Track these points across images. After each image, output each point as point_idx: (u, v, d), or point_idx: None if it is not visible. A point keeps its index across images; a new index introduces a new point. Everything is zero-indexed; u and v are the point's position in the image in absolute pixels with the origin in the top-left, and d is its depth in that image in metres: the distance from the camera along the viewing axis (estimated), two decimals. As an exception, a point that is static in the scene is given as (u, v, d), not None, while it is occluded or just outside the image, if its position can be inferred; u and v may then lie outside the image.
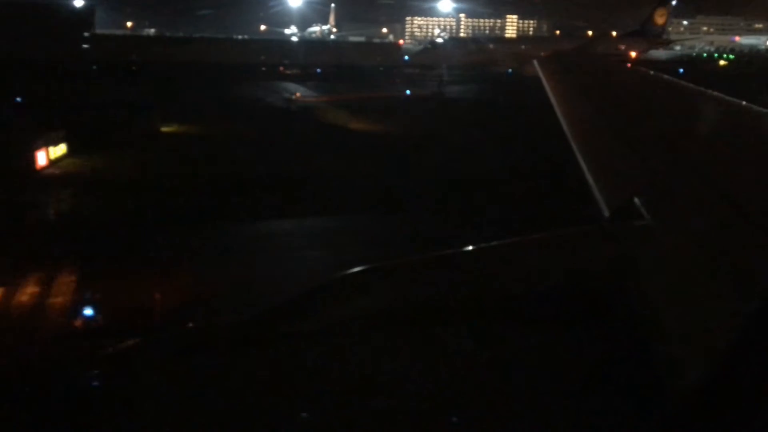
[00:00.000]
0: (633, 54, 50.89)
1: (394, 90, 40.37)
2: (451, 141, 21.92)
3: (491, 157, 19.20)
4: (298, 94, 36.08)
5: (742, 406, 1.90)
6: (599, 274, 2.69)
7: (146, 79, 40.34)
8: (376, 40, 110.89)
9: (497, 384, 2.48)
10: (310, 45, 79.56)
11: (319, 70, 52.49)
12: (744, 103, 5.22)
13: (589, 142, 4.98)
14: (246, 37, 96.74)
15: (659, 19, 60.45)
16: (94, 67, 48.27)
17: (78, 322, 8.32)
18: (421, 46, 71.92)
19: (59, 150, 18.12)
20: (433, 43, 72.10)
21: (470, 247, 3.09)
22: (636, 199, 3.22)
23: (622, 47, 55.56)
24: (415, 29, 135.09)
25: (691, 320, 2.28)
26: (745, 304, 2.21)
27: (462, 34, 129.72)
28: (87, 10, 59.34)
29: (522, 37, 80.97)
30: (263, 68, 52.43)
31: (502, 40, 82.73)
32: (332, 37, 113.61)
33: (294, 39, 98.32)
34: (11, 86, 31.64)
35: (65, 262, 10.17)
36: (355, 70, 51.43)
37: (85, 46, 56.59)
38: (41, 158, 17.04)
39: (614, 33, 76.55)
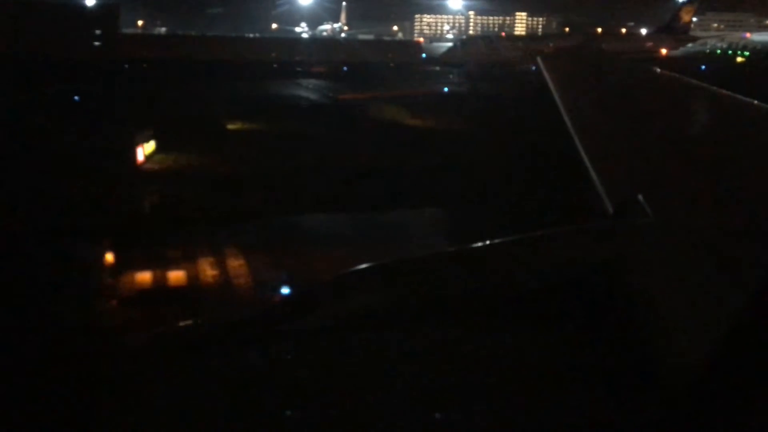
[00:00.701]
0: (664, 51, 51.43)
1: (432, 87, 40.96)
2: (507, 135, 22.43)
3: (557, 152, 19.70)
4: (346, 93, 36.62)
5: (740, 405, 1.90)
6: (602, 271, 2.67)
7: (182, 77, 40.74)
8: (386, 38, 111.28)
9: (496, 381, 2.42)
10: (330, 43, 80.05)
11: (345, 68, 53.03)
12: (749, 100, 5.23)
13: (592, 139, 4.91)
14: (257, 35, 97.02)
15: (686, 16, 61.05)
16: (126, 66, 48.70)
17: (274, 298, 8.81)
18: (449, 44, 72.35)
19: (149, 147, 18.71)
20: (461, 40, 72.63)
21: (471, 245, 3.12)
22: (640, 197, 3.19)
23: (650, 44, 56.12)
24: (424, 27, 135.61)
25: (693, 317, 2.28)
26: (746, 302, 2.22)
27: (471, 32, 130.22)
28: (112, 9, 59.77)
29: (549, 35, 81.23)
30: (294, 66, 52.93)
31: (529, 37, 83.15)
32: (343, 35, 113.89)
33: (304, 37, 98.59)
34: (59, 85, 32.16)
35: (232, 248, 10.70)
36: (380, 68, 51.90)
37: (111, 45, 56.93)
38: (140, 154, 17.65)
39: (644, 30, 77.04)
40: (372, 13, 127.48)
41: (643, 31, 76.31)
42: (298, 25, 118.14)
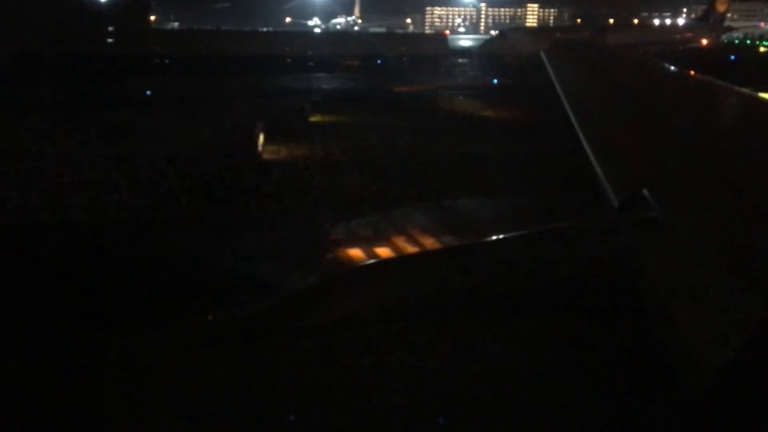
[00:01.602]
0: (704, 41, 51.99)
1: (482, 79, 41.51)
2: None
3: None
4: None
5: (753, 401, 1.88)
6: (608, 266, 2.69)
7: (224, 72, 40.83)
8: (399, 31, 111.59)
9: (506, 377, 2.39)
10: (359, 37, 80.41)
11: (379, 61, 53.51)
12: (754, 93, 5.28)
13: (596, 133, 4.90)
14: (271, 29, 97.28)
15: (721, 6, 61.54)
16: (167, 60, 49.15)
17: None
18: (488, 36, 72.51)
19: (261, 138, 19.42)
20: (500, 32, 72.95)
21: (478, 240, 3.26)
22: (645, 191, 3.19)
23: (688, 35, 56.63)
24: (435, 19, 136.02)
25: (700, 313, 2.27)
26: (755, 298, 2.20)
27: (482, 24, 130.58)
28: (144, 5, 60.25)
29: (585, 26, 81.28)
30: (328, 59, 53.30)
31: (565, 29, 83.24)
32: (356, 28, 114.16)
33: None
34: (114, 80, 32.71)
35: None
36: (413, 61, 52.31)
37: (144, 40, 57.38)
38: (259, 145, 18.34)
39: (680, 21, 77.12)
40: (383, 6, 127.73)
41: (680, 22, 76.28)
42: (310, 19, 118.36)
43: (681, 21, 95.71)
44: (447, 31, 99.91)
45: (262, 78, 38.49)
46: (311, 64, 49.94)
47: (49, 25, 48.47)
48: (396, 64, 51.07)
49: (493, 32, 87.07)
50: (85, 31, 50.58)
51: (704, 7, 75.39)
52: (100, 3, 56.15)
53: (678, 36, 56.32)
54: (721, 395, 1.94)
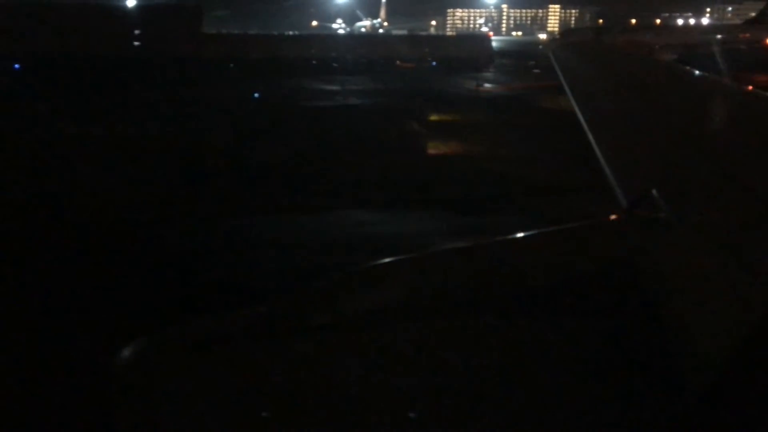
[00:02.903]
0: (768, 41, 52.72)
1: (547, 80, 42.58)
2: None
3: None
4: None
5: (762, 403, 1.88)
6: (617, 266, 2.67)
7: (290, 74, 41.64)
8: (423, 33, 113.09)
9: (512, 377, 2.37)
10: (407, 39, 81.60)
11: (434, 62, 54.74)
12: (763, 93, 5.25)
13: (605, 133, 4.93)
14: (296, 32, 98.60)
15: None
16: (232, 65, 50.39)
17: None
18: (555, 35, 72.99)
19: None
20: (565, 32, 73.89)
21: (486, 240, 3.29)
22: (654, 191, 3.18)
23: (747, 35, 57.32)
24: (457, 21, 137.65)
25: (709, 314, 2.28)
26: (766, 299, 2.20)
27: (504, 25, 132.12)
28: (196, 9, 61.69)
29: (652, 26, 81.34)
30: (382, 61, 54.43)
31: (628, 28, 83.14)
32: (381, 31, 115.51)
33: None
34: (210, 84, 34.06)
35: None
36: (463, 62, 53.42)
37: (199, 44, 58.70)
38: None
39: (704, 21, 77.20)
40: (406, 9, 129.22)
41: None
42: (334, 22, 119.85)
43: (705, 21, 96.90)
44: (490, 33, 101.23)
45: (332, 79, 39.33)
46: (366, 64, 50.71)
47: (130, 32, 50.13)
48: (449, 65, 52.24)
49: (514, 33, 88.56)
50: (155, 37, 52.11)
51: (722, 7, 76.42)
52: (164, 10, 57.74)
53: (732, 36, 57.12)
54: (730, 397, 1.94)
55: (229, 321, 2.54)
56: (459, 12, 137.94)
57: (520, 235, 3.03)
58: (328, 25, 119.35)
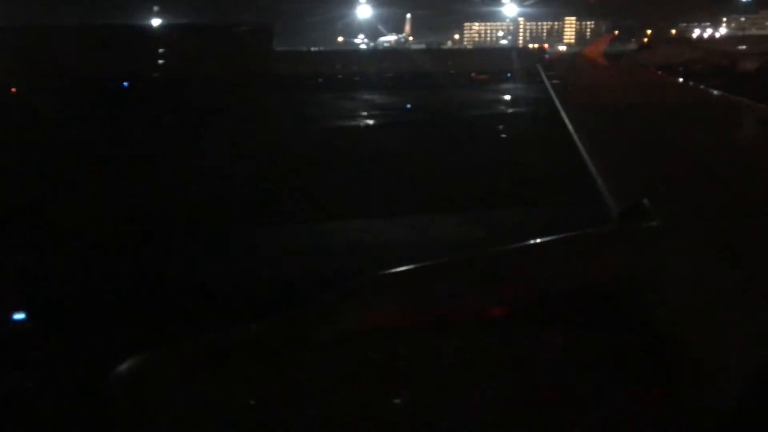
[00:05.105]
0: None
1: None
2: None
3: None
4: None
5: (759, 412, 1.88)
6: (608, 278, 2.67)
7: (358, 89, 43.02)
8: (444, 47, 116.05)
9: (508, 388, 2.27)
10: (467, 52, 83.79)
11: (509, 74, 56.84)
12: (751, 101, 5.25)
13: (594, 143, 4.94)
14: (322, 48, 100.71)
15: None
16: (320, 80, 52.44)
17: None
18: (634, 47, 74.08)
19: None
20: (643, 44, 75.44)
21: (478, 253, 3.28)
22: (645, 200, 3.19)
23: None
24: (474, 34, 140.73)
25: (703, 323, 2.28)
26: (759, 306, 2.22)
27: (521, 38, 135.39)
28: (267, 29, 64.03)
29: (731, 37, 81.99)
30: (453, 74, 56.46)
31: (708, 40, 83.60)
32: (406, 45, 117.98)
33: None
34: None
35: None
36: (530, 73, 55.53)
37: (271, 62, 60.81)
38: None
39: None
40: (424, 23, 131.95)
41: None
42: (356, 37, 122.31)
43: (723, 31, 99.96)
44: (546, 45, 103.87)
45: (407, 93, 39.98)
46: (433, 78, 52.02)
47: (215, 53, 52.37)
48: (520, 77, 54.36)
49: (530, 45, 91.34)
50: (232, 56, 54.40)
51: (737, 16, 78.06)
52: (243, 31, 60.20)
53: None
54: (728, 405, 1.93)
55: (230, 337, 2.45)
56: (476, 26, 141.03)
57: (512, 246, 2.97)
58: (352, 40, 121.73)
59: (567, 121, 6.10)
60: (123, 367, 2.17)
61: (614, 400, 2.18)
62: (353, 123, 26.62)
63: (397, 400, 2.23)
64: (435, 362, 2.37)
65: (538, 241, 2.99)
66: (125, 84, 45.00)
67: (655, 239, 2.86)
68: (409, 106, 32.69)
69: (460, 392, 2.25)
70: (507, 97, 40.07)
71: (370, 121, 26.85)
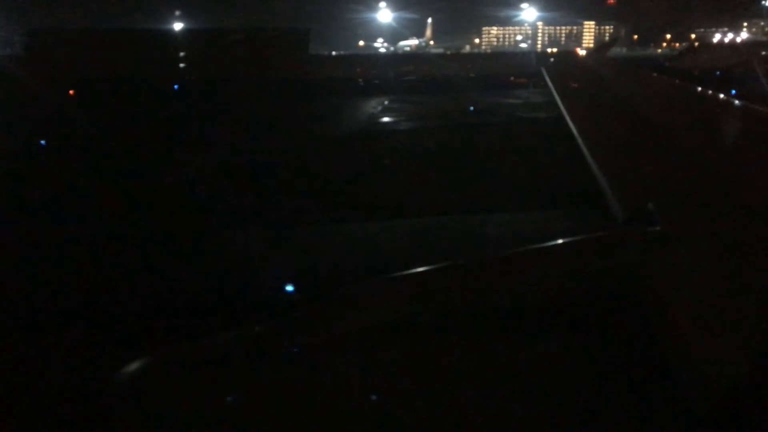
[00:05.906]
0: None
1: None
2: None
3: None
4: None
5: (762, 416, 1.87)
6: (614, 281, 2.66)
7: (404, 91, 42.66)
8: (464, 51, 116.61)
9: (510, 393, 2.32)
10: (504, 56, 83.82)
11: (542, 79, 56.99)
12: (757, 107, 5.28)
13: (600, 148, 4.91)
14: (344, 52, 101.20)
15: None
16: (361, 81, 52.92)
17: None
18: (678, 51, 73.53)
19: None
20: (689, 47, 75.27)
21: (484, 255, 3.21)
22: (650, 204, 3.18)
23: None
24: (492, 38, 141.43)
25: (707, 327, 2.26)
26: (762, 312, 2.19)
27: (539, 42, 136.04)
28: (304, 32, 64.67)
29: (756, 42, 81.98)
30: (491, 78, 56.74)
31: (756, 44, 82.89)
32: (428, 50, 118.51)
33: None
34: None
35: None
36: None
37: (308, 65, 61.34)
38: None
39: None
40: (443, 28, 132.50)
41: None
42: (375, 41, 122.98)
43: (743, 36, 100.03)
44: (577, 48, 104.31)
45: (456, 96, 39.70)
46: (491, 81, 52.43)
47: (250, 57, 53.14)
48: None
49: (549, 50, 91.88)
50: (271, 60, 55.08)
51: (757, 21, 77.88)
52: (281, 36, 60.94)
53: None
54: (729, 410, 1.92)
55: (226, 341, 2.45)
56: (494, 30, 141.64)
57: (515, 250, 2.98)
58: (371, 44, 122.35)
59: None
60: (125, 368, 2.21)
61: (616, 404, 2.20)
62: (439, 123, 26.71)
63: (396, 401, 2.24)
64: (435, 363, 2.40)
65: (543, 245, 3.02)
66: (176, 87, 45.65)
67: (660, 243, 2.84)
68: (472, 108, 33.04)
69: (460, 395, 2.26)
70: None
71: (450, 123, 27.23)
